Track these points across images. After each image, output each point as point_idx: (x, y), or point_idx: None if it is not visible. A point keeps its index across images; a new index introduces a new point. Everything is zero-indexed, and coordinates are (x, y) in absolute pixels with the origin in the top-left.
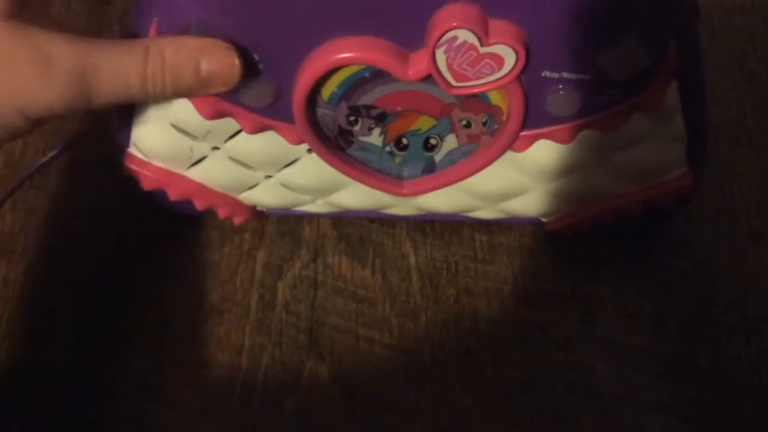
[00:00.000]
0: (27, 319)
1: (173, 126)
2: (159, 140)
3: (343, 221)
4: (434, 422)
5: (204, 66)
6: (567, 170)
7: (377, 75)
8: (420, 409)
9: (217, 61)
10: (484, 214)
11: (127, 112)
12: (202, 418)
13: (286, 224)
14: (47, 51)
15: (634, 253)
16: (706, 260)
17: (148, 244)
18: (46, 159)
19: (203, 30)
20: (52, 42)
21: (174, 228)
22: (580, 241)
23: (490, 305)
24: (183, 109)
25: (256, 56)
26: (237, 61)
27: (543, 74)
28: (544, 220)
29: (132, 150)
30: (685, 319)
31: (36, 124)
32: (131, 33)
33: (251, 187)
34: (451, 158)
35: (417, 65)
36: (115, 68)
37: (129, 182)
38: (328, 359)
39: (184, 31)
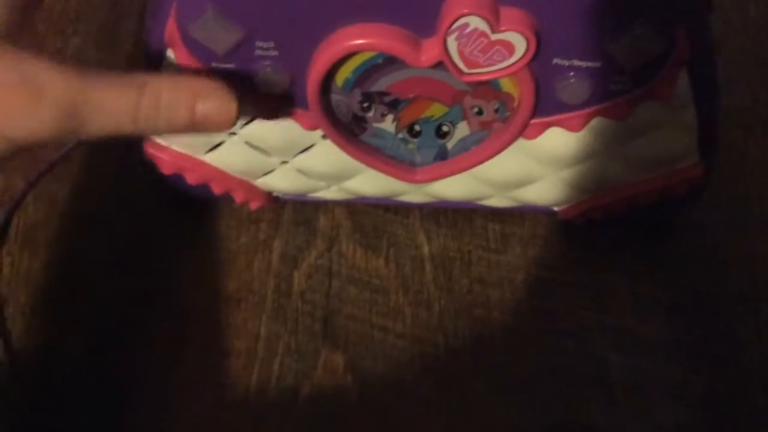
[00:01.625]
0: (48, 309)
1: None
2: None
3: (357, 211)
4: (447, 410)
5: (200, 108)
6: (578, 158)
7: (390, 61)
8: (432, 397)
9: (214, 105)
10: (496, 202)
11: None
12: (218, 406)
13: (301, 214)
14: (39, 80)
15: (646, 243)
16: (718, 249)
17: (167, 234)
18: (67, 149)
19: (218, 16)
20: (45, 71)
21: (193, 219)
22: (592, 230)
23: (503, 295)
24: None
25: (271, 43)
26: (234, 106)
27: (554, 62)
28: (556, 209)
29: (152, 136)
30: (697, 307)
31: (20, 150)
32: (148, 23)
33: (267, 173)
34: (464, 145)
35: (429, 52)
36: (107, 105)
37: (149, 173)
38: (342, 348)
39: (201, 15)
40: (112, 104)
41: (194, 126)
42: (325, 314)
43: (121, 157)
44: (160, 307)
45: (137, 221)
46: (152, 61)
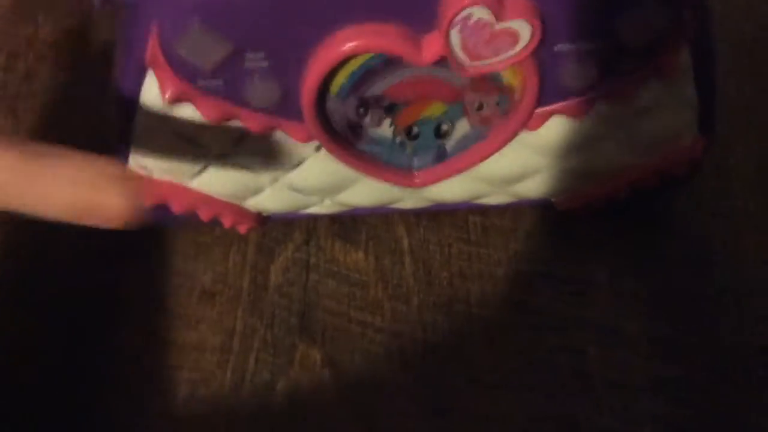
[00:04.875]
0: (15, 305)
1: (176, 134)
2: (162, 151)
3: None
4: (426, 404)
5: (97, 200)
6: (581, 146)
7: (387, 64)
8: (411, 391)
9: (111, 199)
10: (495, 199)
11: (125, 126)
12: (192, 401)
13: None
14: None
15: (629, 237)
16: (701, 243)
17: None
18: None
19: (205, 30)
20: None
21: None
22: (575, 223)
23: (483, 288)
24: (186, 116)
25: (261, 53)
26: (130, 205)
27: (557, 47)
28: (554, 200)
29: (132, 166)
30: (680, 302)
31: None
32: (127, 40)
33: (257, 193)
34: (463, 144)
35: (431, 48)
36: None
37: None
38: (319, 342)
39: (187, 30)
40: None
41: (90, 218)
42: (303, 308)
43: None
44: (131, 301)
45: None
46: (129, 86)
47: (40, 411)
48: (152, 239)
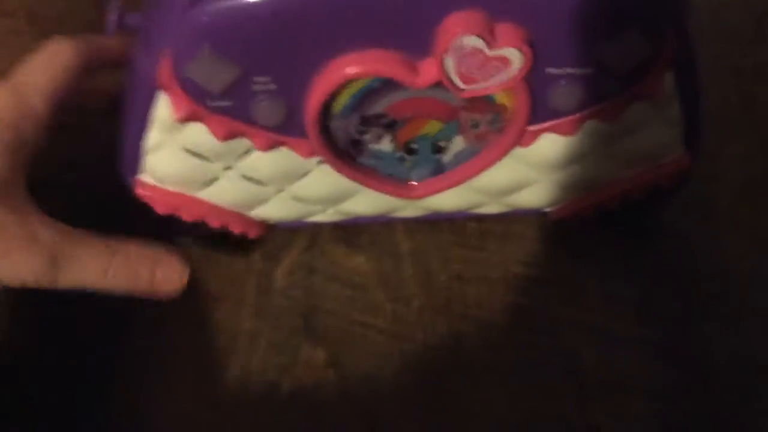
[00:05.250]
0: (25, 312)
1: (186, 150)
2: (172, 165)
3: None
4: (425, 404)
5: (158, 274)
6: (571, 161)
7: (387, 85)
8: (412, 391)
9: (170, 271)
10: (491, 209)
11: (135, 141)
12: (198, 402)
13: None
14: (37, 234)
15: (620, 240)
16: (690, 248)
17: (146, 232)
18: None
19: (215, 56)
20: (42, 226)
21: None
22: (568, 228)
23: (480, 291)
24: (196, 133)
25: (268, 77)
26: (186, 272)
27: (547, 71)
28: (547, 210)
29: (143, 177)
30: (669, 305)
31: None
32: (139, 64)
33: (262, 203)
34: (459, 158)
35: (426, 73)
36: (83, 262)
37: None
38: (323, 343)
39: (197, 56)
40: (87, 262)
41: (151, 289)
42: (306, 310)
43: (92, 165)
44: (139, 305)
45: (115, 222)
46: (141, 106)
47: (40, 418)
48: (159, 244)
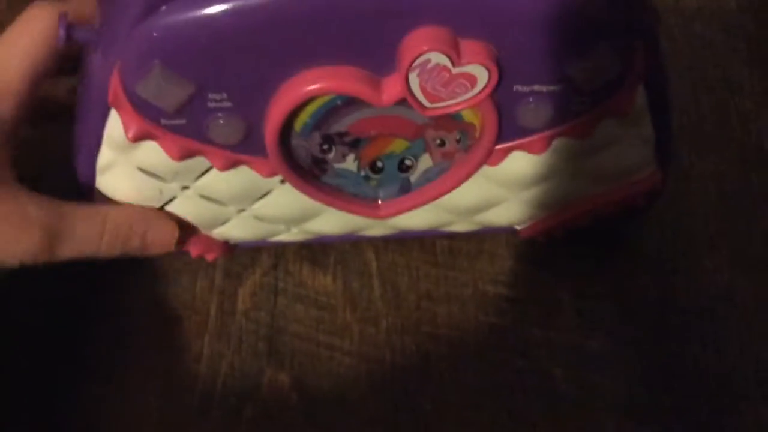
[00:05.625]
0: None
1: (140, 169)
2: (126, 185)
3: None
4: (394, 427)
5: (149, 235)
6: (542, 178)
7: (349, 102)
8: (380, 415)
9: (160, 231)
10: (460, 227)
11: (88, 158)
12: (161, 426)
13: None
14: (27, 210)
15: (593, 259)
16: (663, 264)
17: None
18: None
19: (167, 72)
20: (31, 202)
21: None
22: (540, 246)
23: (450, 310)
24: (150, 152)
25: (224, 94)
26: (176, 232)
27: (514, 88)
28: (518, 227)
29: (98, 197)
30: (643, 322)
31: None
32: (90, 79)
33: (223, 223)
34: (427, 177)
35: (390, 90)
36: (77, 231)
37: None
38: (288, 367)
39: (148, 73)
40: (81, 231)
41: (144, 250)
42: (271, 333)
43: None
44: (98, 326)
45: None
46: (93, 123)
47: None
48: (120, 265)
